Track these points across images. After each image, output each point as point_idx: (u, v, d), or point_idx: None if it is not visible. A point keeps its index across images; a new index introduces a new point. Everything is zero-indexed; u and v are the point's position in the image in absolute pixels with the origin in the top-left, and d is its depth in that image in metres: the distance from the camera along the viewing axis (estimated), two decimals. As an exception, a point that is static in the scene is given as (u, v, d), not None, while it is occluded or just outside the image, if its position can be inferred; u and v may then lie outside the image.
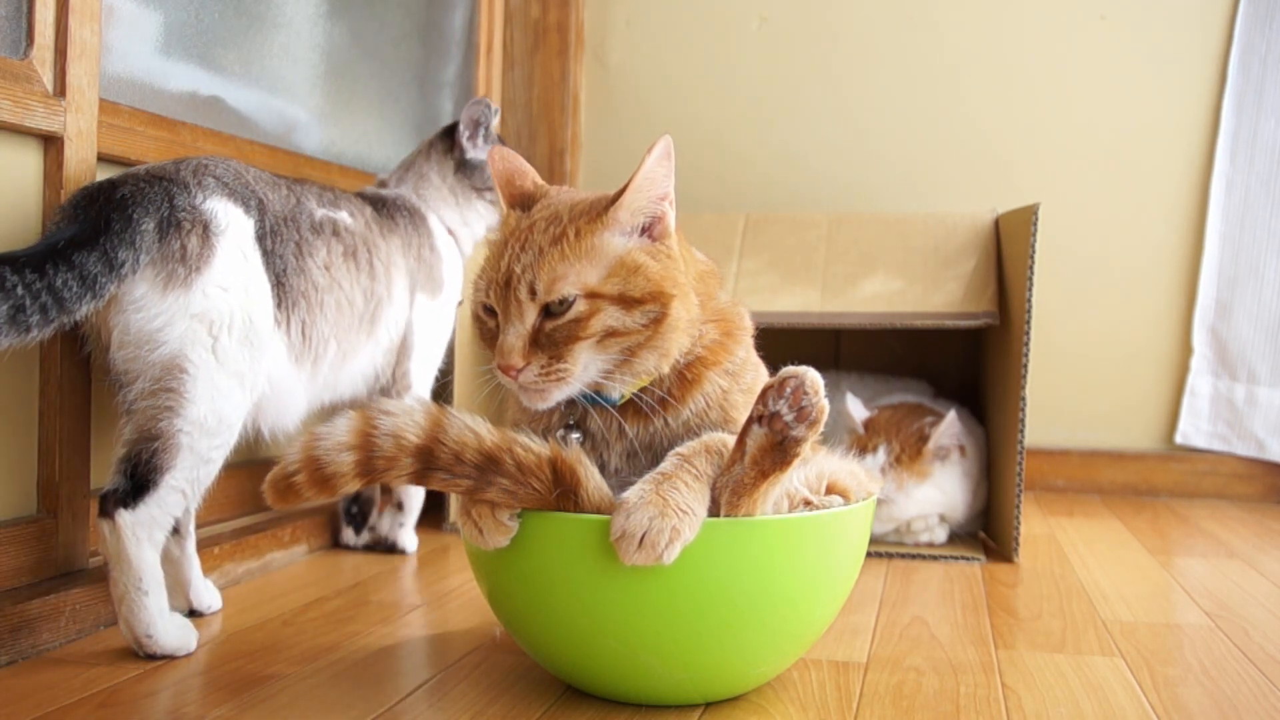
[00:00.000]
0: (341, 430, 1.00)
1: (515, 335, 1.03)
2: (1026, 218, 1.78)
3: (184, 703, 1.07)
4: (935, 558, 1.81)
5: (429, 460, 0.99)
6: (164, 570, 1.26)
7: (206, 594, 1.43)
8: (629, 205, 1.05)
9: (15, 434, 1.31)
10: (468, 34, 2.61)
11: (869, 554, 1.56)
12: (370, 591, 1.54)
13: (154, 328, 1.24)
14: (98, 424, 1.43)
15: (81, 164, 1.35)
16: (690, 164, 2.48)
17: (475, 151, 1.81)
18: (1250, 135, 2.45)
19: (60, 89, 1.32)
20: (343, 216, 1.55)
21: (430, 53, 2.46)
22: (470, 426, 1.01)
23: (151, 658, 1.21)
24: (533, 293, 1.03)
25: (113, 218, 1.21)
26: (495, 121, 1.84)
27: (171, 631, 1.23)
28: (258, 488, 1.40)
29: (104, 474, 1.47)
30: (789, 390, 0.97)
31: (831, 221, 2.08)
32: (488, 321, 1.08)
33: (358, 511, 1.81)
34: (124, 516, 1.21)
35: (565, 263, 1.03)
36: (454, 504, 1.93)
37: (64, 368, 1.32)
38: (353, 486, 1.00)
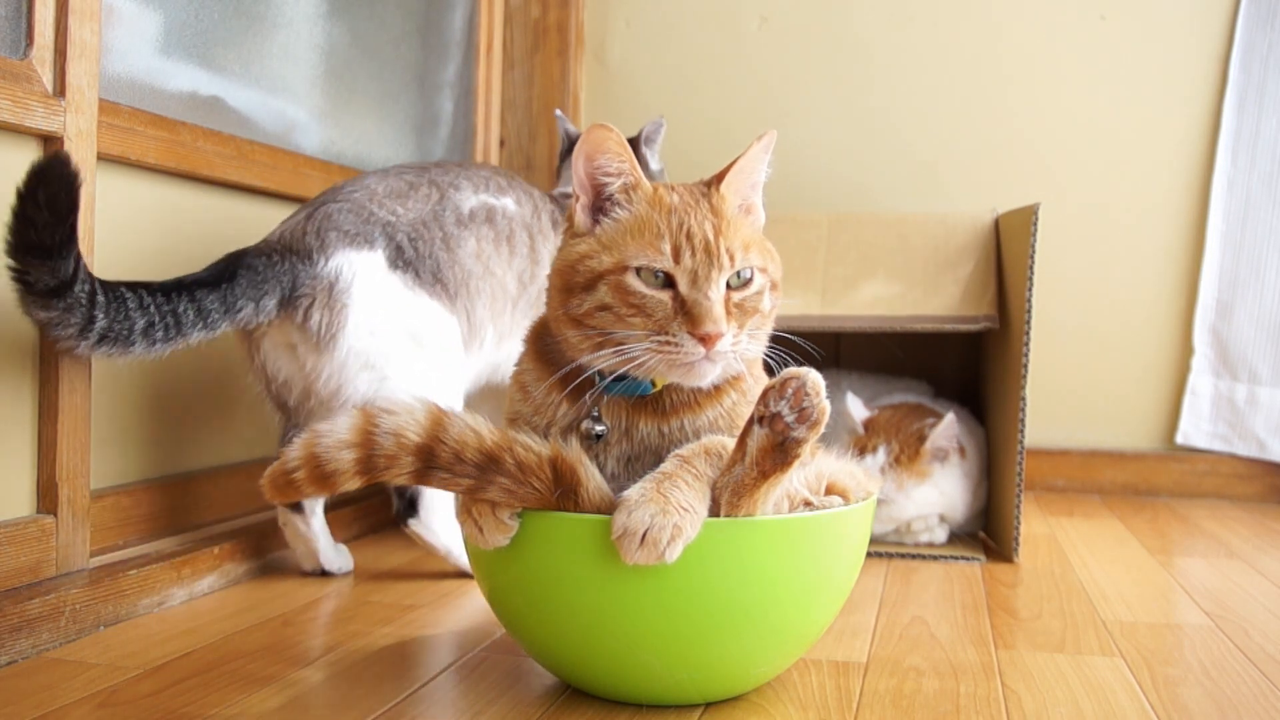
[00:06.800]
0: (343, 428, 1.00)
1: (718, 300, 1.01)
2: (1026, 218, 1.78)
3: (184, 703, 1.07)
4: (935, 558, 1.81)
5: (429, 459, 0.99)
6: (297, 543, 1.60)
7: (337, 558, 1.64)
8: (735, 186, 1.08)
9: (15, 434, 1.30)
10: (468, 34, 2.61)
11: (869, 554, 1.56)
12: (370, 591, 1.54)
13: (317, 380, 1.46)
14: (98, 424, 1.43)
15: (81, 164, 1.34)
16: (690, 164, 2.48)
17: (655, 163, 1.95)
18: (1252, 135, 2.45)
19: (60, 89, 1.31)
20: (505, 203, 1.65)
21: (430, 53, 2.45)
22: (471, 425, 1.01)
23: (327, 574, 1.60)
24: (731, 258, 1.02)
25: (239, 273, 1.39)
26: (662, 135, 1.98)
27: (333, 559, 1.60)
28: (257, 488, 1.39)
29: (104, 474, 1.47)
30: (790, 391, 0.97)
31: (831, 222, 2.08)
32: (646, 291, 1.01)
33: None
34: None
35: (748, 230, 1.05)
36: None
37: (64, 367, 1.32)
38: (353, 484, 1.00)
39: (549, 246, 1.68)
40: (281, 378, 1.49)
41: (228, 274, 1.39)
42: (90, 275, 1.25)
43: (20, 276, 1.19)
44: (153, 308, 1.31)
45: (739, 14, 2.73)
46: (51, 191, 1.16)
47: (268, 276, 1.41)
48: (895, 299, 1.92)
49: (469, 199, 1.61)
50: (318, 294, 1.43)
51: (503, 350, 1.66)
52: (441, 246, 1.54)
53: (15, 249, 1.18)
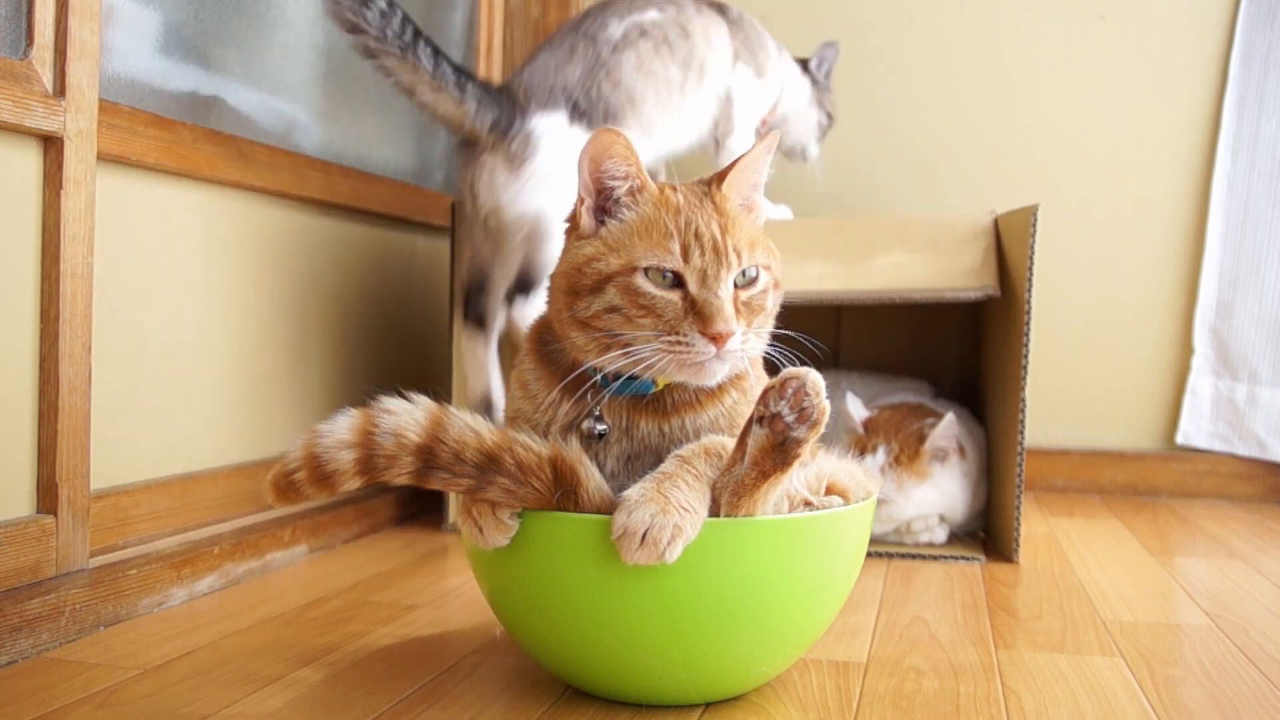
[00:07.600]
0: (343, 428, 1.00)
1: (728, 298, 1.01)
2: (1026, 218, 1.78)
3: (184, 703, 1.07)
4: (935, 558, 1.81)
5: (429, 459, 0.99)
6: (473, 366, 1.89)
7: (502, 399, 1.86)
8: (737, 185, 1.07)
9: (15, 434, 1.31)
10: (468, 34, 2.61)
11: (869, 554, 1.56)
12: (370, 591, 1.54)
13: (504, 194, 1.76)
14: (98, 424, 1.43)
15: (81, 164, 1.34)
16: (690, 165, 2.48)
17: (821, 79, 2.24)
18: (1252, 135, 2.45)
19: (60, 89, 1.31)
20: (649, 16, 1.90)
21: (430, 53, 2.45)
22: (471, 425, 1.01)
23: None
24: (738, 255, 1.02)
25: (477, 79, 1.73)
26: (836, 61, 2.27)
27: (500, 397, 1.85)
28: (258, 487, 1.40)
29: (104, 475, 1.47)
30: (790, 391, 0.97)
31: (831, 226, 2.07)
32: (656, 292, 1.01)
33: None
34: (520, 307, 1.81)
35: (751, 228, 1.05)
36: (453, 505, 1.93)
37: (64, 368, 1.32)
38: (353, 484, 1.00)
39: (698, 20, 1.92)
40: (481, 196, 1.79)
41: (471, 74, 1.71)
42: None
43: None
44: (400, 14, 1.58)
45: (739, 14, 2.73)
46: None
47: (499, 102, 1.74)
48: (905, 266, 1.94)
49: (616, 29, 1.86)
50: (519, 136, 1.75)
51: (680, 124, 1.94)
52: (606, 82, 1.82)
53: None
